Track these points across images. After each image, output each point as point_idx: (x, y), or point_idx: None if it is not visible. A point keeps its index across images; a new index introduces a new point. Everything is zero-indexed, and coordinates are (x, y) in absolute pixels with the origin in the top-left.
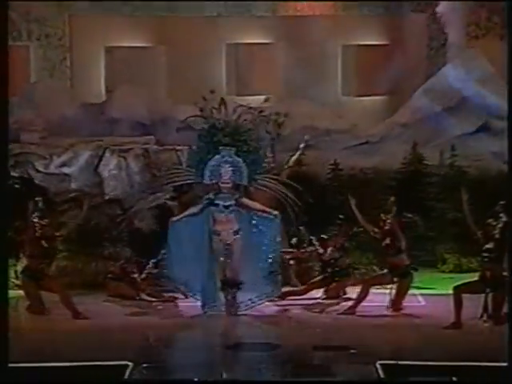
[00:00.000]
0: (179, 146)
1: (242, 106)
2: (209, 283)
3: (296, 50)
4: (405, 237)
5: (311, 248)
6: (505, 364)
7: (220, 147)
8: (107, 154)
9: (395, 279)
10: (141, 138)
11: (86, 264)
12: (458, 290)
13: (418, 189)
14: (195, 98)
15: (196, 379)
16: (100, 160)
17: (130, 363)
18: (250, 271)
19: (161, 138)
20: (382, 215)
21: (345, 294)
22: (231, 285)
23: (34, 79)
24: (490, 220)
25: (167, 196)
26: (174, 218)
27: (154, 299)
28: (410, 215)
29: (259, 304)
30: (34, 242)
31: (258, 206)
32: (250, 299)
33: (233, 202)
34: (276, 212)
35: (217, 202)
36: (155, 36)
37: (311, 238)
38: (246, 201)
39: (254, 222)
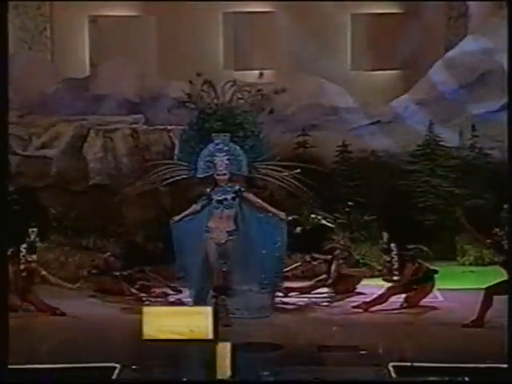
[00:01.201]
0: (171, 125)
1: (233, 82)
2: (200, 288)
3: (300, 19)
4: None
5: (318, 261)
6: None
7: (212, 134)
8: (92, 135)
9: (415, 286)
10: (129, 117)
11: (68, 256)
12: (491, 292)
13: (436, 173)
14: (189, 73)
15: (185, 379)
16: (84, 141)
17: (117, 365)
18: (246, 277)
19: (151, 116)
20: (385, 257)
21: (354, 289)
22: (221, 292)
23: (10, 51)
24: (496, 230)
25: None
26: (176, 218)
27: (143, 294)
28: (414, 246)
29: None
30: (14, 270)
31: (263, 204)
32: (241, 312)
33: (230, 196)
34: (283, 214)
35: (212, 196)
36: (144, 4)
37: (314, 255)
38: (249, 196)
39: (257, 220)
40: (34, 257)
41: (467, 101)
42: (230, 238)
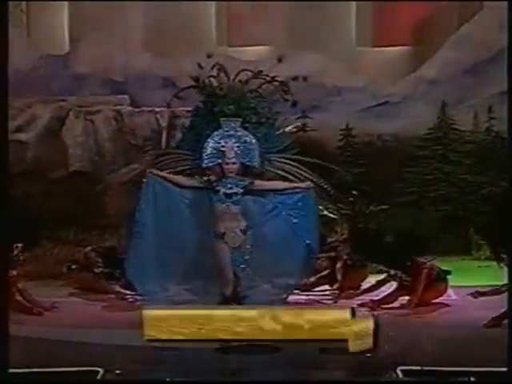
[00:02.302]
0: (159, 107)
1: (247, 70)
2: (203, 290)
3: None
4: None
5: (321, 259)
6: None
7: (222, 119)
8: (71, 117)
9: (427, 288)
10: (112, 98)
11: (46, 250)
12: None
13: (448, 159)
14: (177, 49)
15: (168, 379)
16: (63, 124)
17: (100, 369)
18: (260, 281)
19: (136, 97)
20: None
21: (359, 287)
22: (232, 298)
23: None
24: None
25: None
26: (155, 171)
27: (128, 292)
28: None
29: None
30: None
31: (279, 184)
32: None
33: (239, 190)
34: (307, 183)
35: (218, 188)
36: None
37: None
38: (261, 183)
39: (278, 207)
40: (14, 272)
41: (483, 80)
42: (245, 236)
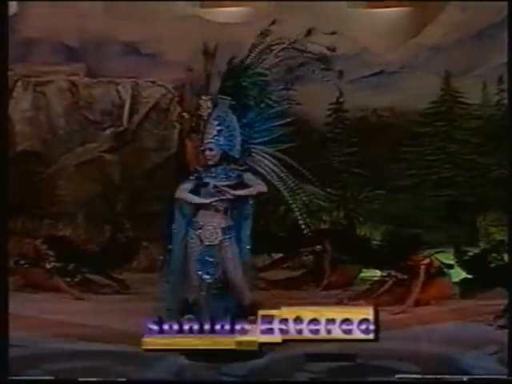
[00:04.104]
0: (120, 78)
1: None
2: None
3: None
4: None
5: (305, 253)
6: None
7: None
8: (19, 89)
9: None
10: (66, 67)
11: None
12: None
13: (453, 137)
14: (140, 11)
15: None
16: (9, 97)
17: (52, 377)
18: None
19: (94, 66)
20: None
21: (352, 284)
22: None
23: None
24: None
25: (103, 147)
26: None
27: (83, 289)
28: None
29: None
30: None
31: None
32: None
33: (226, 183)
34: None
35: (207, 180)
36: None
37: (300, 249)
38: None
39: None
40: None
41: (492, 46)
42: (225, 237)
